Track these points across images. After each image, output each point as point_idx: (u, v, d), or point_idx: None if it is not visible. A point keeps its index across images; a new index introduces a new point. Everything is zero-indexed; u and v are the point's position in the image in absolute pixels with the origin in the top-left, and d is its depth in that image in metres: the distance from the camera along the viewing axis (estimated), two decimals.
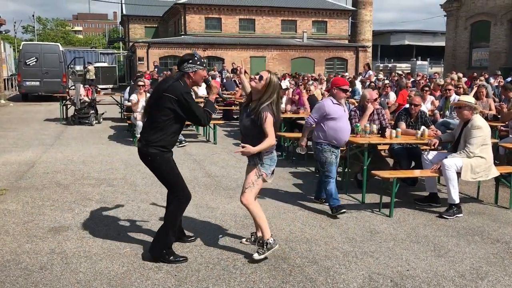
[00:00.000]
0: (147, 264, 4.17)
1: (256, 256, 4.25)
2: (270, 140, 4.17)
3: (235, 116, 14.99)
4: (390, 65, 35.58)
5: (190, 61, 4.18)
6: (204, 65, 4.29)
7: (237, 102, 14.39)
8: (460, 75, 15.67)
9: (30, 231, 4.96)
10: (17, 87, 24.91)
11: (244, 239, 4.78)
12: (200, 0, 35.86)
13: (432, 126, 7.03)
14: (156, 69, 23.73)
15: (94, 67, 30.15)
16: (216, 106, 5.16)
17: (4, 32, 31.64)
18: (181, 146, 10.18)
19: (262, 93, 4.20)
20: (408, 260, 4.39)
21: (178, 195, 4.28)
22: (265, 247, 4.26)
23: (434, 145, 6.19)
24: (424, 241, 4.89)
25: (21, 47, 23.10)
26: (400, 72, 24.71)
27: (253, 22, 37.07)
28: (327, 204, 5.79)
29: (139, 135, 10.12)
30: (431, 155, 6.21)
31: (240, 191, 4.54)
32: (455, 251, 4.61)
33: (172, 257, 4.23)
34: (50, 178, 7.29)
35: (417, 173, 6.36)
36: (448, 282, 3.95)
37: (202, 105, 4.40)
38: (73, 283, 3.80)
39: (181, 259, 4.26)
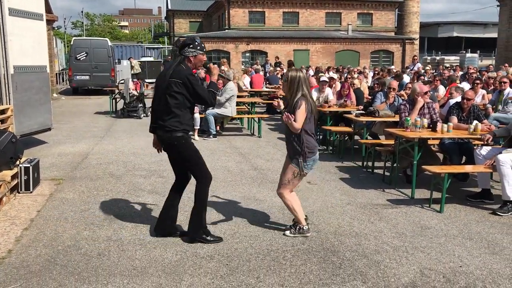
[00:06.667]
0: (199, 253, 4.28)
1: (287, 233, 4.72)
2: (296, 124, 4.37)
3: (279, 110, 14.95)
4: (438, 57, 34.61)
5: (191, 45, 4.36)
6: (204, 50, 4.46)
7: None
8: None
9: (87, 219, 5.19)
10: (68, 81, 25.75)
11: (287, 232, 4.84)
12: None
13: (485, 121, 6.82)
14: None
15: (141, 61, 30.57)
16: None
17: (56, 28, 32.77)
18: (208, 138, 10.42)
19: (289, 91, 4.50)
20: (461, 256, 4.31)
21: (203, 178, 4.47)
22: (298, 230, 4.69)
23: (488, 140, 6.01)
24: (477, 238, 4.78)
25: (72, 42, 23.85)
26: (447, 65, 24.02)
27: (297, 15, 36.88)
28: None
29: (197, 127, 10.36)
30: (484, 150, 6.04)
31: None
32: (510, 249, 4.49)
33: (209, 237, 4.50)
34: (103, 169, 7.57)
35: (469, 168, 6.20)
36: (504, 280, 3.85)
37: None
38: (130, 269, 3.95)
39: (217, 239, 4.53)
